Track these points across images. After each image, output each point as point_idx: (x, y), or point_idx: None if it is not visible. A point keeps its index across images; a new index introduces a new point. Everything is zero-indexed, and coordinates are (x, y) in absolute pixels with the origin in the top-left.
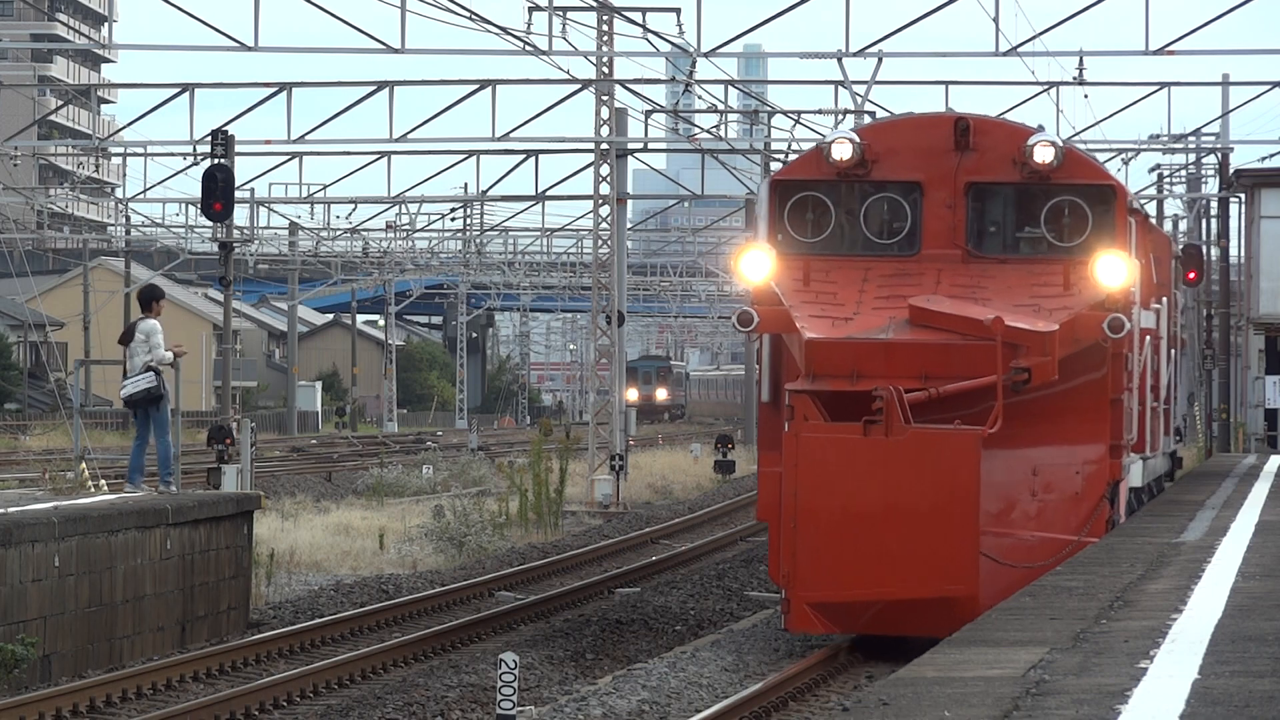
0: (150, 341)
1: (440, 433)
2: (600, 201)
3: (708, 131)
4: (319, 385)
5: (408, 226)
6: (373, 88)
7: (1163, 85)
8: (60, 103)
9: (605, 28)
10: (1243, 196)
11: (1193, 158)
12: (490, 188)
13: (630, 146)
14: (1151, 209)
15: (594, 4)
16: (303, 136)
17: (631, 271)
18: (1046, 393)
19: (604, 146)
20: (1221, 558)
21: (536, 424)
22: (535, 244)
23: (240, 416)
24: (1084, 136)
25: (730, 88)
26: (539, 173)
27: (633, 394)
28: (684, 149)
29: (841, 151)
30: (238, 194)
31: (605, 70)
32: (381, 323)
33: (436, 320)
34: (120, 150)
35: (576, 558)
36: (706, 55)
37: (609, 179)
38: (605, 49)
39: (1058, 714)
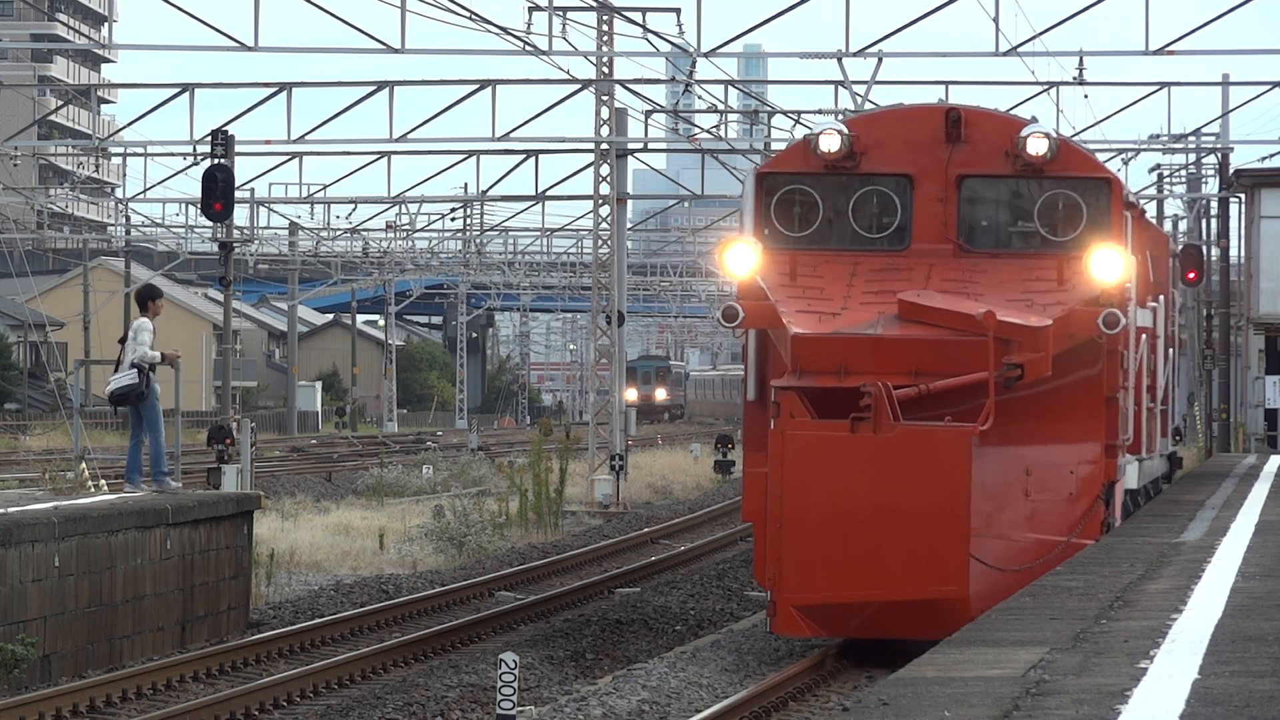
0: (136, 339)
1: (440, 433)
2: (600, 201)
3: (708, 131)
4: (319, 385)
5: (408, 226)
6: (373, 88)
7: (1163, 85)
8: (60, 103)
9: (605, 28)
10: (1243, 196)
11: (1193, 158)
12: (490, 188)
13: (630, 146)
14: (1151, 209)
15: (594, 4)
16: (303, 136)
17: (631, 271)
18: (1040, 390)
19: (604, 146)
20: (1221, 558)
21: (536, 424)
22: (535, 244)
23: (240, 416)
24: (1084, 136)
25: (730, 88)
26: (539, 173)
27: (632, 394)
28: (684, 149)
29: (829, 143)
30: (238, 194)
31: (605, 70)
32: (381, 323)
33: (436, 320)
34: (120, 150)
35: (576, 558)
36: (706, 55)
37: (609, 179)
38: (605, 49)
39: (1058, 714)
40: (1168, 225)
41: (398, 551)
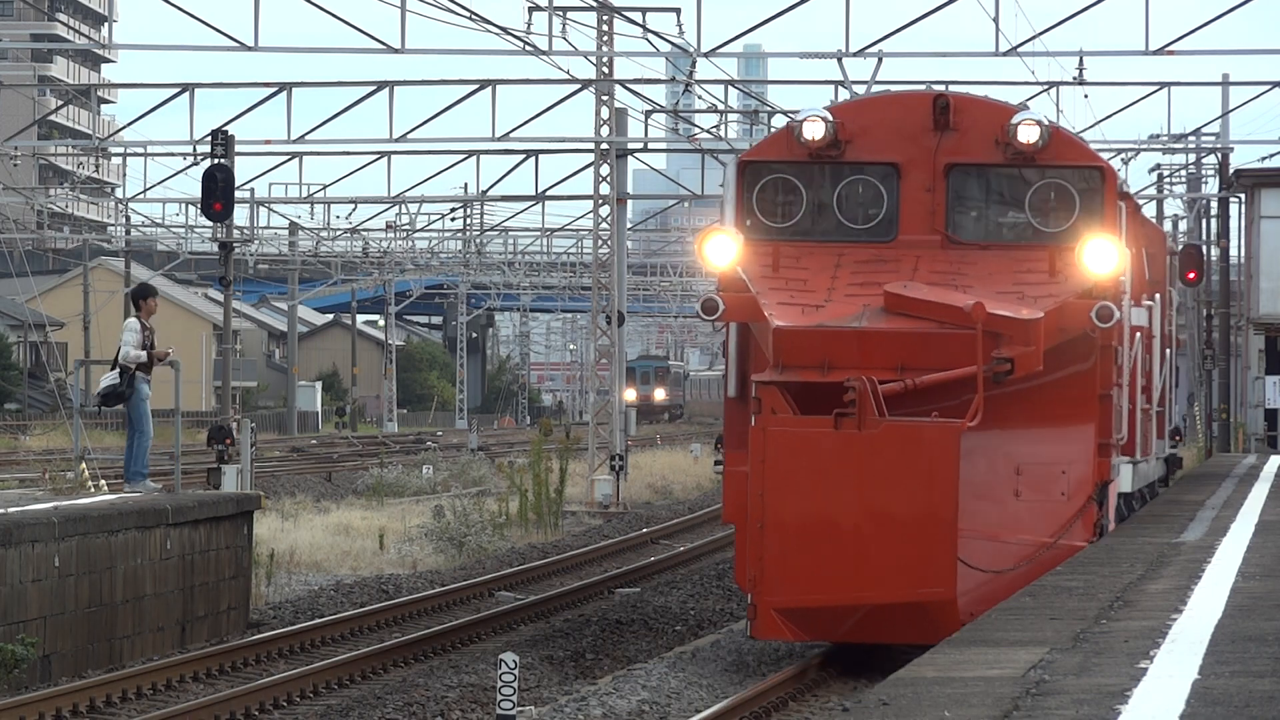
0: (121, 339)
1: (440, 433)
2: (600, 201)
3: (708, 131)
4: (319, 385)
5: (408, 226)
6: (373, 88)
7: (1163, 85)
8: (60, 103)
9: (605, 28)
10: (1243, 196)
11: (1193, 158)
12: (490, 188)
13: (630, 146)
14: (1151, 209)
15: (594, 4)
16: (303, 136)
17: (631, 271)
18: (1030, 385)
19: (604, 146)
20: (1221, 558)
21: (536, 424)
22: (535, 244)
23: (240, 416)
24: (1084, 136)
25: (730, 88)
26: (539, 173)
27: (631, 394)
28: (684, 149)
29: (813, 131)
30: (238, 194)
31: (605, 70)
32: (381, 323)
33: (436, 320)
34: (120, 150)
35: (576, 558)
36: (706, 55)
37: (609, 179)
38: (605, 49)
39: (1058, 714)
40: (1168, 225)
41: (398, 551)
